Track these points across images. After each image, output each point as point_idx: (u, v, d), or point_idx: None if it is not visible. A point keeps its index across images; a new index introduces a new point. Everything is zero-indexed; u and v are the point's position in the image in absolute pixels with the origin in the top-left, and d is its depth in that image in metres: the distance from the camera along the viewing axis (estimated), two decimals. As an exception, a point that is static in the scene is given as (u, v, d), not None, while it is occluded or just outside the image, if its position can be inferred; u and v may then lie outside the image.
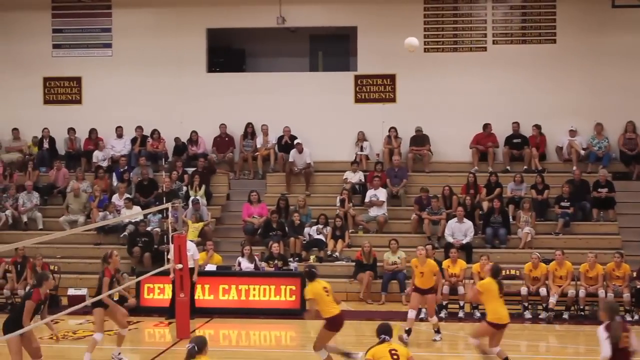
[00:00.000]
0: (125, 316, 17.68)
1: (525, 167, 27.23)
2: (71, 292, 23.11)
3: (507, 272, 22.65)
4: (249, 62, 30.50)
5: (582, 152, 27.22)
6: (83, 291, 22.94)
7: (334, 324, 15.73)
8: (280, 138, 28.39)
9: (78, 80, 29.62)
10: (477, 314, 21.31)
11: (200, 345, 11.49)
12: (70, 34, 29.69)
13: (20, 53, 29.49)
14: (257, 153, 28.22)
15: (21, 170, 28.29)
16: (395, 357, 11.90)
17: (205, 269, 22.54)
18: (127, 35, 29.26)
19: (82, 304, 16.96)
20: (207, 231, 25.26)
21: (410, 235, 25.32)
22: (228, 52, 30.39)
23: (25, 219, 26.67)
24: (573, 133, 27.38)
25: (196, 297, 21.73)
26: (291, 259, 23.90)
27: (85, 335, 19.48)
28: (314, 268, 16.48)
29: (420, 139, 27.99)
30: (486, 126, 27.68)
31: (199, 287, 21.89)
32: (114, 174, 27.90)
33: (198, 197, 26.07)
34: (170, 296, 21.21)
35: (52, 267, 23.64)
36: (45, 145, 28.98)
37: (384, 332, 12.32)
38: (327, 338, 15.84)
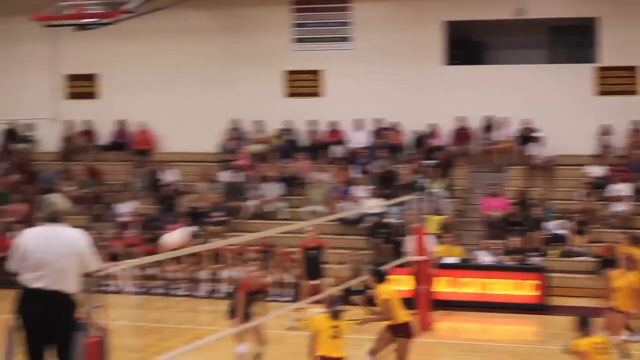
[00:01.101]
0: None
1: None
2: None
3: None
4: (488, 54, 30.30)
5: None
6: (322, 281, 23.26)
7: (407, 331, 14.61)
8: (520, 131, 28.05)
9: (319, 73, 30.14)
10: None
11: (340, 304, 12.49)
12: (310, 28, 30.21)
13: (261, 47, 30.21)
14: (496, 146, 28.00)
15: (265, 162, 29.08)
16: (598, 349, 11.66)
17: (446, 262, 22.49)
18: (367, 29, 29.52)
19: (324, 294, 17.24)
20: (447, 224, 25.25)
21: (656, 232, 24.61)
22: (467, 44, 30.29)
23: (268, 209, 27.44)
24: None
25: (436, 289, 21.71)
26: (531, 253, 23.61)
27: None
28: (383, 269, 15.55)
29: (666, 132, 27.17)
30: None
31: (439, 279, 21.84)
32: (354, 165, 28.26)
33: (438, 190, 26.13)
34: (410, 288, 21.30)
35: (293, 257, 24.19)
36: (288, 137, 29.69)
37: (584, 324, 11.93)
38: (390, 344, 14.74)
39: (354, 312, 17.28)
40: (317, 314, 20.16)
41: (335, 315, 12.23)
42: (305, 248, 18.42)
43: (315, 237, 19.60)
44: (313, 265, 18.70)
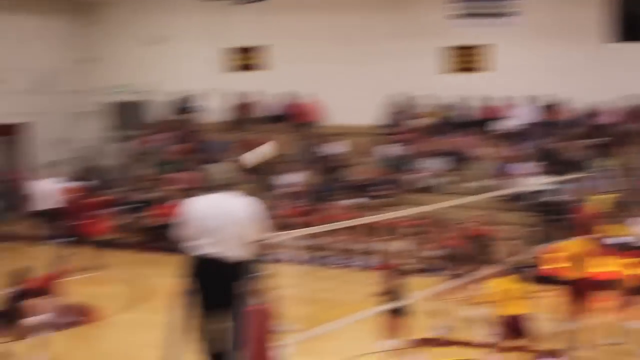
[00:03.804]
0: None
1: None
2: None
3: None
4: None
5: None
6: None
7: None
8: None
9: (484, 48, 29.83)
10: None
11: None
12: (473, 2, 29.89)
13: (415, 22, 30.25)
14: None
15: (430, 136, 28.99)
16: None
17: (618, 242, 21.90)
18: (536, 3, 29.06)
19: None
20: (619, 202, 24.61)
21: None
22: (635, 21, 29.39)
23: (431, 183, 27.36)
24: None
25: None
26: None
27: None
28: None
29: None
30: None
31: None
32: (520, 142, 27.90)
33: (607, 167, 25.56)
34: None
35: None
36: (454, 112, 29.53)
37: None
38: None
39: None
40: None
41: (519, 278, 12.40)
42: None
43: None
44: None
